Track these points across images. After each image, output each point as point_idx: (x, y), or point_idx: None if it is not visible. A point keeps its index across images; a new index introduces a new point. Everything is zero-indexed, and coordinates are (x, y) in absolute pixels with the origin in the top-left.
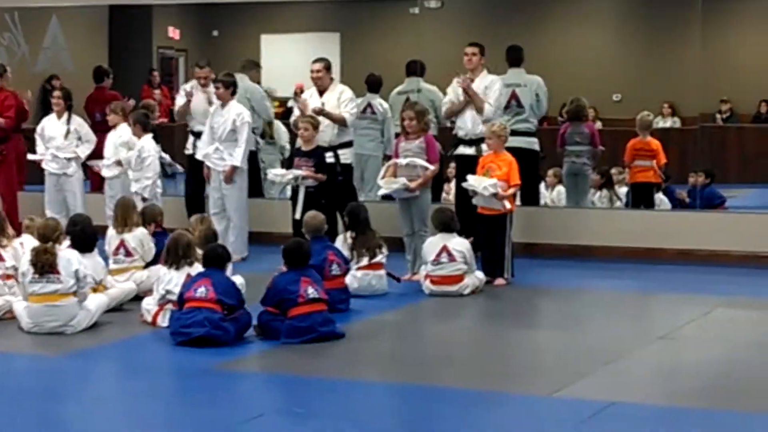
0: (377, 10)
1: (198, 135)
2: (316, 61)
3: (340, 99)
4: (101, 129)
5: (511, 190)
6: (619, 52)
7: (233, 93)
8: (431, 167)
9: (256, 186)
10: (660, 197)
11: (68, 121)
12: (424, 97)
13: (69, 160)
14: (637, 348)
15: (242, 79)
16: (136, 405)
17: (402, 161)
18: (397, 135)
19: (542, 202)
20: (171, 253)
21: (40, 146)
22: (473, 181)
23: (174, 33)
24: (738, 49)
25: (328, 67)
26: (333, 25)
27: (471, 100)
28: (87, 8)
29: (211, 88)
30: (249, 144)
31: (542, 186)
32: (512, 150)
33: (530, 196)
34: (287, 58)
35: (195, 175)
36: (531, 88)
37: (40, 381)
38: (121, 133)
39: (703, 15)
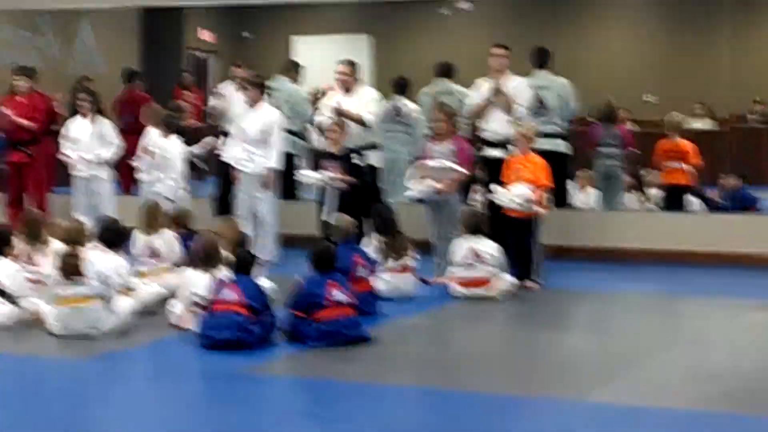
0: (407, 11)
1: (227, 135)
2: (341, 62)
3: (364, 100)
4: (131, 130)
5: (539, 194)
6: (651, 52)
7: (263, 93)
8: (461, 169)
9: (289, 188)
10: (690, 199)
11: (94, 123)
12: (455, 99)
13: (97, 162)
14: (666, 352)
15: (283, 81)
16: (163, 409)
17: (432, 163)
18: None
19: (573, 204)
20: (199, 256)
21: (64, 147)
22: (501, 196)
23: (205, 35)
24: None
25: (353, 68)
26: (363, 27)
27: (502, 100)
28: (119, 10)
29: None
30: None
31: (573, 188)
32: (538, 153)
33: (558, 198)
34: (318, 59)
35: (225, 176)
36: (555, 89)
37: (68, 384)
38: (148, 136)
39: (731, 15)
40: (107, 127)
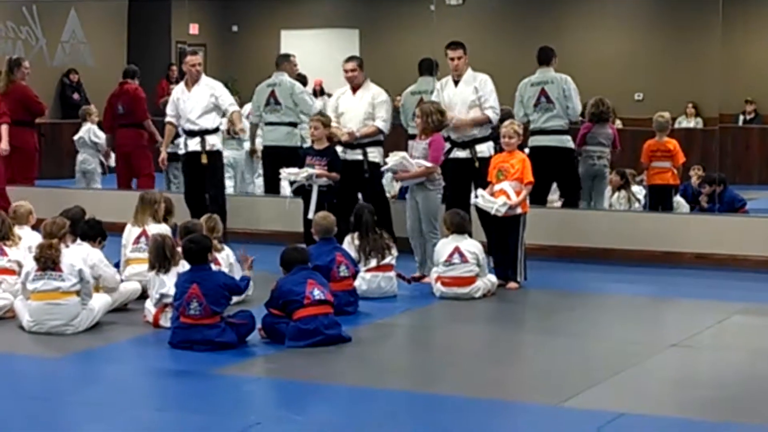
0: (396, 6)
1: (189, 133)
2: (349, 59)
3: (375, 101)
4: (124, 122)
5: (524, 191)
6: (640, 50)
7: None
8: (415, 168)
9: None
10: (678, 200)
11: None
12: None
13: None
14: (650, 356)
15: (281, 76)
16: (135, 409)
17: (390, 160)
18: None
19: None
20: (155, 257)
21: None
22: (483, 203)
23: (194, 28)
24: (761, 49)
25: (361, 65)
26: (352, 22)
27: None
28: (106, 2)
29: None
30: None
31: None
32: (545, 149)
33: (570, 196)
34: (307, 53)
35: (191, 173)
36: (558, 84)
37: (38, 382)
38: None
39: (723, 14)
40: None
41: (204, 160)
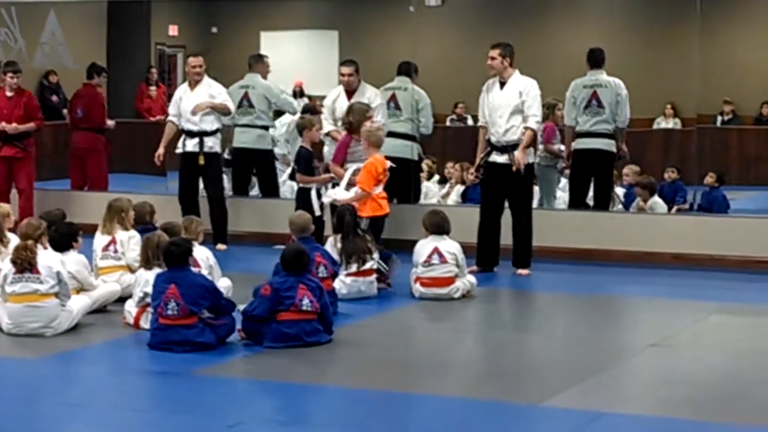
0: (376, 8)
1: (188, 133)
2: (346, 63)
3: (372, 106)
4: (83, 126)
5: (355, 193)
6: (618, 51)
7: None
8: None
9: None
10: (656, 200)
11: None
12: (409, 96)
13: None
14: (628, 356)
15: (255, 78)
16: (113, 411)
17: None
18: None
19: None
20: (142, 255)
21: None
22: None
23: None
24: (739, 50)
25: (357, 70)
26: (332, 23)
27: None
28: (85, 3)
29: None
30: None
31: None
32: (592, 152)
33: (603, 200)
34: (286, 55)
35: (188, 173)
36: (612, 89)
37: (17, 384)
38: None
39: (702, 15)
40: None
41: (201, 161)
